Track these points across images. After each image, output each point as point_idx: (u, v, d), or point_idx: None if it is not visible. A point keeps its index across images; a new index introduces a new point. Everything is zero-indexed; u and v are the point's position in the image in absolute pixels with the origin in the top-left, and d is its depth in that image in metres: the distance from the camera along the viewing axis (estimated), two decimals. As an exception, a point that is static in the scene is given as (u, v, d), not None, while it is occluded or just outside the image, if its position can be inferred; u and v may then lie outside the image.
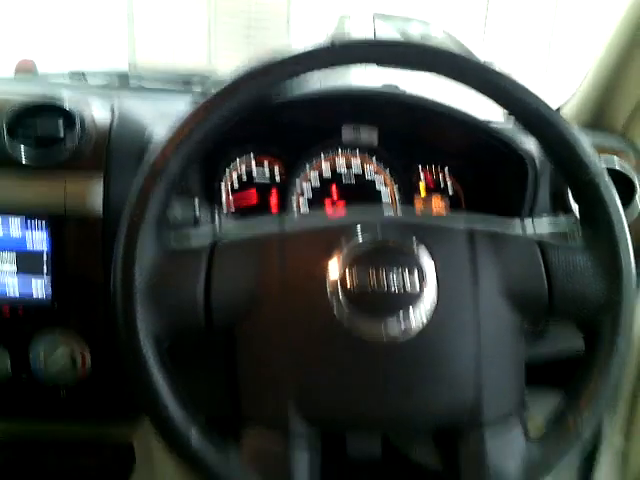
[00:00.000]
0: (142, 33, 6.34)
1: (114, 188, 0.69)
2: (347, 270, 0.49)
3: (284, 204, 0.86)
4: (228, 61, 6.41)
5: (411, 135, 0.85)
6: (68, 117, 0.68)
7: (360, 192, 0.87)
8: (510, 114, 0.53)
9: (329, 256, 0.50)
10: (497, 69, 0.51)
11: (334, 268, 0.49)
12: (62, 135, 0.68)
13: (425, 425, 0.52)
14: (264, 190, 0.86)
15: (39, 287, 0.69)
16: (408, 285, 0.49)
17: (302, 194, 0.86)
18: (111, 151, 0.69)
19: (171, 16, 6.34)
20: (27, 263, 0.69)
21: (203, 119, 0.50)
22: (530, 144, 0.77)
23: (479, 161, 0.85)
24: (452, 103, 0.77)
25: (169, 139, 0.50)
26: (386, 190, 0.87)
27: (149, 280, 0.49)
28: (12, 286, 0.69)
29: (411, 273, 0.49)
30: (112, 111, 0.72)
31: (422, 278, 0.49)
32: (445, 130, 0.82)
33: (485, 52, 5.55)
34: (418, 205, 0.88)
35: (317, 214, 0.58)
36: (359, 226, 0.52)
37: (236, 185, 0.86)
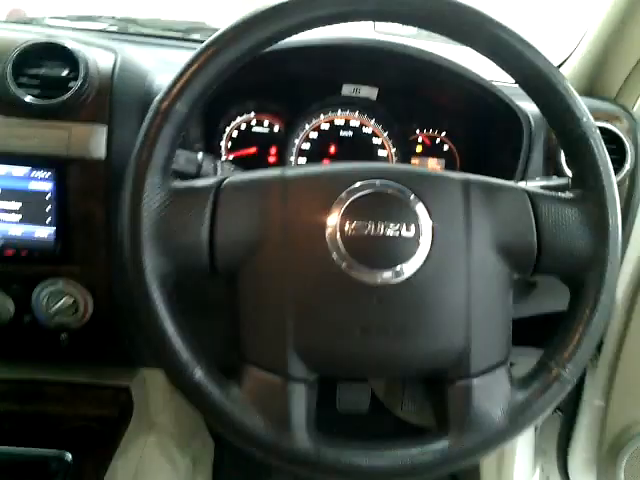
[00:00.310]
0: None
1: (117, 132, 0.70)
2: (345, 216, 0.51)
3: (283, 162, 0.87)
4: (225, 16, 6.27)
5: (410, 94, 0.85)
6: (72, 61, 0.69)
7: (358, 152, 0.88)
8: (504, 66, 0.54)
9: (328, 202, 0.52)
10: (494, 19, 0.52)
11: (333, 213, 0.52)
12: (66, 78, 0.68)
13: (416, 369, 0.55)
14: (264, 147, 0.88)
15: (43, 230, 0.71)
16: (403, 231, 0.51)
17: (301, 153, 0.88)
18: (114, 96, 0.70)
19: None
20: (31, 206, 0.70)
21: (208, 62, 0.51)
22: (526, 104, 0.79)
23: (475, 120, 0.87)
24: (451, 58, 0.78)
25: (175, 81, 0.51)
26: (384, 151, 0.88)
27: (155, 219, 0.50)
28: (16, 229, 0.71)
29: (406, 220, 0.52)
30: (115, 56, 0.72)
31: (417, 225, 0.52)
32: (443, 86, 0.83)
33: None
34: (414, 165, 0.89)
35: (318, 164, 0.59)
36: (358, 174, 0.54)
37: (237, 142, 0.87)
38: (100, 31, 1.02)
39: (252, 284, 0.53)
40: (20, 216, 0.70)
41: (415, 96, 0.86)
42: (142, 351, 0.88)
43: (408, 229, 0.51)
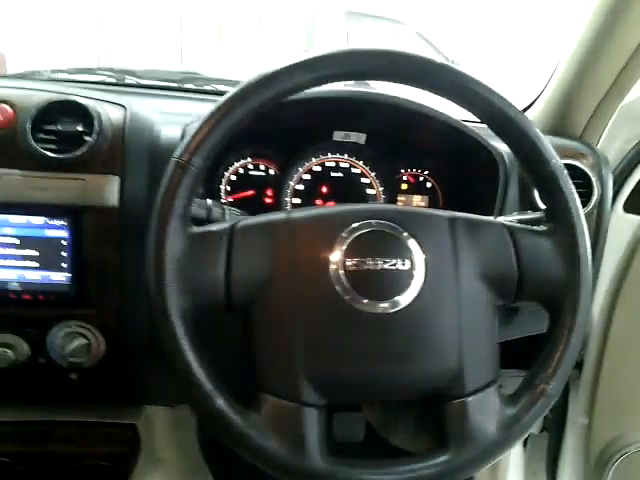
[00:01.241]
0: (113, 32, 6.29)
1: (128, 182, 0.75)
2: (346, 253, 0.58)
3: (279, 202, 0.94)
4: (200, 62, 6.42)
5: (395, 137, 0.93)
6: (86, 116, 0.75)
7: (348, 191, 0.95)
8: (475, 114, 0.62)
9: (330, 240, 0.59)
10: (462, 70, 0.60)
11: (335, 251, 0.58)
12: (81, 132, 0.74)
13: (416, 391, 0.61)
14: (260, 189, 0.94)
15: (59, 275, 0.75)
16: (399, 265, 0.58)
17: (295, 194, 0.94)
18: (125, 148, 0.76)
19: (142, 17, 6.31)
20: (48, 252, 0.75)
21: (224, 117, 0.57)
22: (501, 144, 0.86)
23: (455, 160, 0.94)
24: (429, 105, 0.85)
25: (193, 137, 0.57)
26: (372, 190, 0.95)
27: (177, 262, 0.56)
28: (33, 274, 0.75)
29: (401, 255, 0.58)
30: (124, 111, 0.78)
31: (411, 259, 0.58)
32: (425, 130, 0.90)
33: (456, 51, 5.67)
34: (401, 203, 0.96)
35: (320, 206, 0.66)
36: (356, 214, 0.61)
37: (235, 185, 0.93)
38: (99, 83, 1.09)
39: (265, 318, 0.59)
40: (37, 262, 0.75)
41: (399, 139, 0.93)
42: (148, 388, 0.92)
43: (403, 263, 0.58)
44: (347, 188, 0.95)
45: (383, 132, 0.92)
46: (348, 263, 0.57)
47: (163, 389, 0.95)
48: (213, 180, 0.92)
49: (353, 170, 0.95)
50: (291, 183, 0.94)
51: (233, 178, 0.93)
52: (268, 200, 0.94)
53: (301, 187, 0.94)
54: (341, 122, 0.91)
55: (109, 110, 0.77)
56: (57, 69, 1.09)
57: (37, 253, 0.75)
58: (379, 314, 0.57)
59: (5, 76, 1.03)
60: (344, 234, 0.59)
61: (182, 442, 1.07)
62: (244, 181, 0.93)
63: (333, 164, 0.95)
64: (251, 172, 0.94)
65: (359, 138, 0.92)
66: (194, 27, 6.44)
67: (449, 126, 0.84)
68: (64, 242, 0.75)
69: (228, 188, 0.93)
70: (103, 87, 1.03)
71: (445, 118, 0.84)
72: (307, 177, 0.94)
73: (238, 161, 0.93)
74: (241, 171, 0.93)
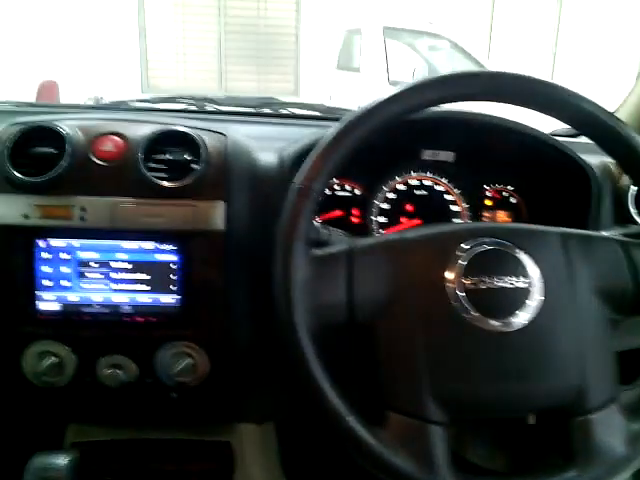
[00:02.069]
0: (154, 56, 6.48)
1: (233, 206, 0.78)
2: (462, 271, 0.60)
3: (365, 222, 0.95)
4: (239, 81, 6.55)
5: (479, 153, 0.94)
6: (193, 145, 0.78)
7: (433, 209, 0.96)
8: (592, 137, 0.63)
9: (446, 259, 0.61)
10: (577, 94, 0.61)
11: (451, 269, 0.60)
12: (189, 160, 0.78)
13: (538, 408, 0.62)
14: (347, 209, 0.96)
15: (168, 297, 0.79)
16: (516, 283, 0.59)
17: (381, 212, 0.96)
18: (229, 174, 0.79)
19: (182, 40, 6.48)
20: (158, 276, 0.78)
21: (343, 142, 0.60)
22: (591, 158, 0.87)
23: (542, 176, 0.94)
24: (516, 120, 0.86)
25: (314, 162, 0.60)
26: (456, 206, 0.96)
27: (302, 283, 0.59)
28: (145, 297, 0.78)
29: (517, 273, 0.60)
30: (225, 138, 0.81)
31: (528, 277, 0.60)
32: (510, 145, 0.91)
33: (492, 60, 5.65)
34: (485, 220, 0.97)
35: (432, 225, 0.68)
36: (469, 233, 0.63)
37: (323, 206, 0.95)
38: (181, 111, 1.13)
39: (387, 336, 0.60)
40: (148, 285, 0.78)
41: (484, 155, 0.94)
42: (243, 406, 0.94)
43: (520, 280, 0.59)
44: (432, 206, 0.96)
45: (469, 149, 0.93)
46: (466, 282, 0.59)
47: (254, 406, 0.97)
48: None
49: (436, 187, 0.97)
50: (377, 202, 0.96)
51: (320, 198, 0.95)
52: (355, 220, 0.96)
53: (387, 206, 0.96)
54: (428, 141, 0.92)
55: (211, 138, 0.80)
56: (141, 99, 1.15)
57: (148, 277, 0.78)
58: (501, 332, 0.58)
59: (95, 107, 1.09)
60: (459, 252, 0.61)
61: (271, 459, 1.09)
62: (331, 201, 0.96)
63: (417, 182, 0.96)
64: (337, 192, 0.96)
65: (448, 156, 0.93)
66: (232, 47, 6.58)
67: (539, 141, 0.85)
68: (173, 266, 0.78)
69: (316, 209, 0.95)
70: (189, 115, 1.07)
71: (536, 133, 0.85)
72: (392, 196, 0.96)
73: None
74: (328, 192, 0.95)
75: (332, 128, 0.62)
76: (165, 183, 0.76)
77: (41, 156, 0.75)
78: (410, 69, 5.39)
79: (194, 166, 0.77)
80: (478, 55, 5.75)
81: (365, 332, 0.61)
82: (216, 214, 0.77)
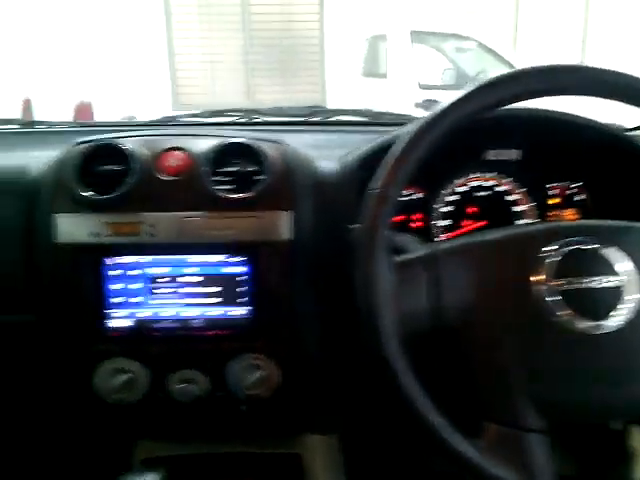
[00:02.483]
0: (183, 73, 6.57)
1: (299, 215, 0.77)
2: (552, 272, 0.57)
3: (427, 226, 0.93)
4: (266, 93, 6.61)
5: (547, 151, 0.91)
6: (256, 157, 0.77)
7: (496, 211, 0.93)
8: None
9: (532, 260, 0.58)
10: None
11: (538, 271, 0.57)
12: (254, 172, 0.77)
13: (631, 413, 0.58)
14: (409, 214, 0.94)
15: (238, 310, 0.78)
16: (609, 282, 0.56)
17: (443, 216, 0.93)
18: (293, 184, 0.78)
19: (209, 56, 6.56)
20: (228, 288, 0.77)
21: (419, 144, 0.58)
22: None
23: (612, 172, 0.91)
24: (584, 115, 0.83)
25: (391, 167, 0.58)
26: (519, 207, 0.93)
27: (385, 290, 0.57)
28: (215, 311, 0.78)
29: (609, 271, 0.57)
30: (285, 147, 0.81)
31: (621, 275, 0.57)
32: (579, 143, 0.88)
33: (518, 58, 5.57)
34: (552, 218, 0.94)
35: (514, 226, 0.65)
36: (555, 232, 0.60)
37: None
38: (232, 124, 1.13)
39: (476, 343, 0.58)
40: (219, 298, 0.77)
41: (550, 152, 0.91)
42: (311, 417, 0.93)
43: (612, 280, 0.56)
44: (495, 206, 0.94)
45: (534, 147, 0.90)
46: (556, 283, 0.56)
47: (322, 417, 0.96)
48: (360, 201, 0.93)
49: (499, 187, 0.94)
50: (437, 205, 0.93)
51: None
52: (415, 224, 0.94)
53: (448, 209, 0.94)
54: (491, 140, 0.90)
55: (272, 148, 0.80)
56: (193, 113, 1.15)
57: (217, 290, 0.77)
58: (596, 333, 0.55)
59: (149, 124, 1.09)
60: (546, 253, 0.58)
61: (336, 470, 1.07)
62: None
63: (478, 183, 0.94)
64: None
65: (512, 155, 0.91)
66: (257, 60, 6.63)
67: (612, 136, 0.82)
68: (242, 277, 0.77)
69: None
70: (240, 127, 1.07)
71: (606, 128, 0.82)
72: (453, 198, 0.94)
73: None
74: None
75: (405, 131, 0.60)
76: (231, 195, 0.75)
77: (106, 174, 0.76)
78: (438, 72, 5.37)
79: (258, 177, 0.76)
80: (506, 53, 5.67)
81: (452, 339, 0.59)
82: (283, 224, 0.76)
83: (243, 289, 0.77)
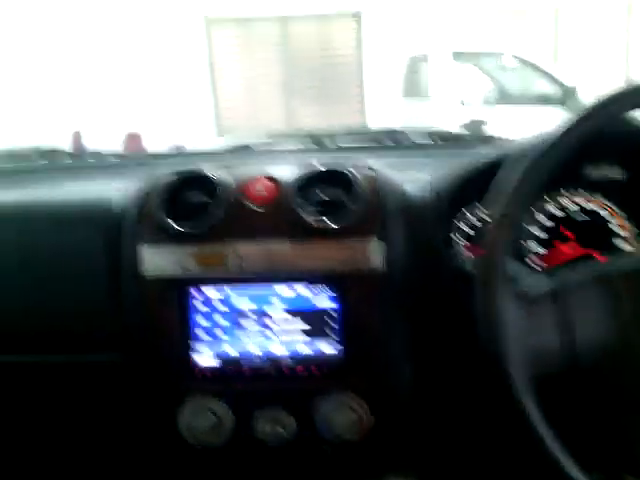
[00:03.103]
0: (224, 100, 6.68)
1: (390, 244, 0.72)
2: None
3: (518, 250, 0.87)
4: (306, 117, 6.65)
5: None
6: (347, 184, 0.73)
7: (592, 234, 0.87)
8: None
9: None
10: None
11: None
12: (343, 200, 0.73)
13: None
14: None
15: (328, 346, 0.73)
16: None
17: (531, 237, 0.87)
18: (384, 211, 0.73)
19: (250, 80, 6.66)
20: (317, 323, 0.73)
21: (541, 165, 0.53)
22: None
23: None
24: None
25: (512, 193, 0.53)
26: (622, 232, 0.86)
27: (512, 330, 0.51)
28: (304, 347, 0.73)
29: None
30: (375, 174, 0.76)
31: None
32: None
33: (561, 71, 5.46)
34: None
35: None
36: None
37: (470, 237, 0.88)
38: (303, 150, 1.10)
39: (619, 387, 0.52)
40: (308, 334, 0.73)
41: None
42: (397, 458, 0.87)
43: None
44: (591, 229, 0.87)
45: (635, 164, 0.84)
46: None
47: (405, 457, 0.90)
48: (449, 227, 0.87)
49: (594, 207, 0.87)
50: (527, 226, 0.87)
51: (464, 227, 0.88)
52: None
53: (541, 231, 0.87)
54: (590, 156, 0.84)
55: (362, 174, 0.76)
56: (265, 142, 1.13)
57: (307, 324, 0.73)
58: None
59: (228, 151, 1.07)
60: None
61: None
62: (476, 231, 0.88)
63: (571, 202, 0.87)
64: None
65: (616, 174, 0.84)
66: (298, 84, 6.69)
67: None
68: (333, 311, 0.73)
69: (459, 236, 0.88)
70: (313, 153, 1.04)
71: None
72: (544, 218, 0.87)
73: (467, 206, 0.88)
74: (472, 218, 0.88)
75: (517, 152, 0.55)
76: (322, 224, 0.71)
77: (192, 204, 0.73)
78: (479, 91, 5.31)
79: (348, 205, 0.72)
80: (549, 68, 5.57)
81: (588, 381, 0.53)
82: (375, 254, 0.71)
83: (333, 324, 0.73)
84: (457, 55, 5.19)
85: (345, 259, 0.71)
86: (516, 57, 5.54)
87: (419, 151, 1.08)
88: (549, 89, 5.32)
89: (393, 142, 1.11)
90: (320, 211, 0.73)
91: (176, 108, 6.25)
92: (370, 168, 0.77)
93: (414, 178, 0.81)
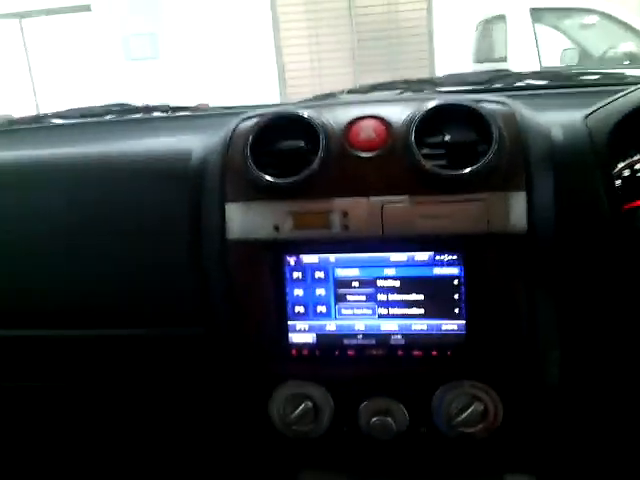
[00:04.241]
0: (291, 72, 6.58)
1: (536, 200, 0.58)
2: None
3: None
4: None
5: None
6: (475, 121, 0.59)
7: None
8: None
9: None
10: None
11: None
12: (474, 142, 0.59)
13: None
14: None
15: (450, 324, 0.60)
16: None
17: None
18: (528, 157, 0.59)
19: (317, 54, 6.53)
20: (436, 296, 0.60)
21: None
22: None
23: None
24: None
25: None
26: None
27: None
28: (419, 324, 0.61)
29: None
30: (515, 114, 0.61)
31: None
32: None
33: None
34: None
35: None
36: None
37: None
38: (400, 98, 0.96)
39: None
40: (425, 308, 0.60)
41: None
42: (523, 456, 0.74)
43: None
44: None
45: None
46: None
47: (528, 455, 0.76)
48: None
49: None
50: None
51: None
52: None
53: None
54: None
55: (498, 111, 0.61)
56: (352, 89, 1.00)
57: (424, 297, 0.60)
58: None
59: (312, 99, 0.95)
60: None
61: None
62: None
63: None
64: None
65: None
66: (364, 50, 6.49)
67: None
68: (457, 282, 0.59)
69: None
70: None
71: None
72: None
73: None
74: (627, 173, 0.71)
75: None
76: (448, 173, 0.57)
77: (286, 153, 0.61)
78: (558, 52, 4.91)
79: (481, 149, 0.58)
80: (637, 22, 5.08)
81: None
82: (515, 210, 0.57)
83: (457, 297, 0.59)
84: (534, 13, 4.82)
85: (477, 217, 0.57)
86: (599, 12, 5.10)
87: (541, 92, 0.91)
88: (636, 49, 4.86)
89: (507, 85, 0.95)
90: (442, 157, 0.59)
91: (241, 80, 6.20)
92: (505, 103, 0.62)
93: (554, 120, 0.66)
